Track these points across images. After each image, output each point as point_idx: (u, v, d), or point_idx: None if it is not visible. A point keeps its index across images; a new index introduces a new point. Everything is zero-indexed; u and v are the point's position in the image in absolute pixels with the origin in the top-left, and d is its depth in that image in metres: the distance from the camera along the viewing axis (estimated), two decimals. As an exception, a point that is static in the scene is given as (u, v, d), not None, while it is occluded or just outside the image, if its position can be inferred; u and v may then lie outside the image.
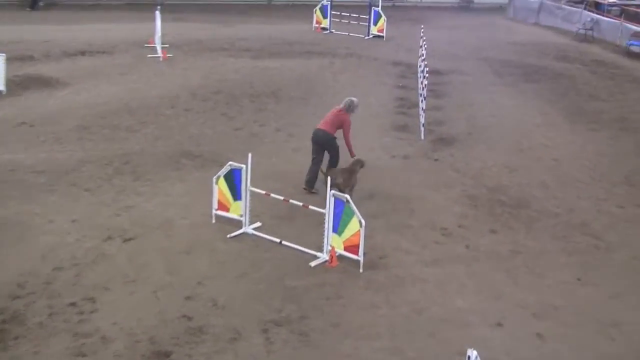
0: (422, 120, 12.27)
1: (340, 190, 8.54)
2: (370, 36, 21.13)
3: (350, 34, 21.22)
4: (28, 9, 23.23)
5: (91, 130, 11.67)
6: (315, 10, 22.01)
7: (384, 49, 19.55)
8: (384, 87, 15.35)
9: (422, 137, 12.05)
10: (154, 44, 17.53)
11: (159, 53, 16.91)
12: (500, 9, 27.66)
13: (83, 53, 17.07)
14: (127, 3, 24.82)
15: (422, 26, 18.51)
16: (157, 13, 16.90)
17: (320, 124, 9.64)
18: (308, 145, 10.88)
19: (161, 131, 11.81)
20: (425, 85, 12.49)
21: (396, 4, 28.16)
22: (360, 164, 9.44)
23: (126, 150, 10.86)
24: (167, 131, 11.82)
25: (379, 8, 21.07)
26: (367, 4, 21.58)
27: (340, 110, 9.62)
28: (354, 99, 9.75)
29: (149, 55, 16.98)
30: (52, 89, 13.95)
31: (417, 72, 16.31)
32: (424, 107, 12.34)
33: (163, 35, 17.38)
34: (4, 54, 13.64)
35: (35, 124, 11.82)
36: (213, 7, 25.35)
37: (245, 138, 11.72)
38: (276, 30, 21.61)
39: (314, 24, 22.00)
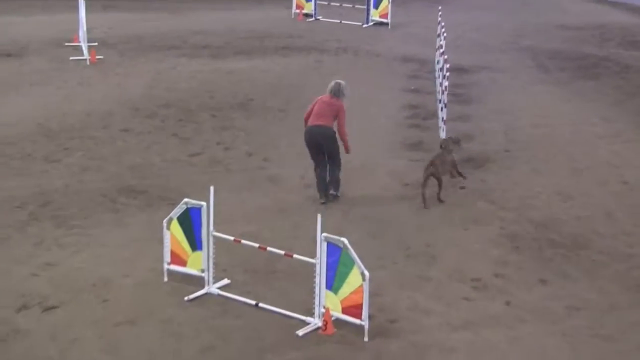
0: (443, 134, 12.46)
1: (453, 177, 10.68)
2: (370, 23, 21.35)
3: (343, 22, 21.45)
4: None
5: (-5, 162, 11.79)
6: (296, -9, 22.32)
7: (389, 40, 19.76)
8: (391, 92, 15.53)
9: (444, 157, 12.23)
10: (78, 42, 17.72)
11: (86, 54, 17.07)
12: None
13: (-19, 57, 17.27)
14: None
15: (440, 8, 18.70)
16: (81, 0, 17.11)
17: (313, 120, 10.44)
18: (289, 172, 10.93)
19: (91, 160, 11.90)
20: (446, 87, 12.70)
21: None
22: (451, 141, 10.80)
23: (44, 187, 10.95)
24: (99, 160, 11.92)
25: (382, -15, 21.36)
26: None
27: (331, 98, 10.50)
28: (340, 81, 10.68)
29: (72, 58, 17.13)
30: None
31: (434, 71, 16.52)
32: (445, 117, 12.53)
33: (90, 30, 17.52)
34: None
35: None
36: (156, -9, 25.57)
37: (206, 166, 11.85)
38: (243, 19, 21.79)
39: (294, 10, 22.27)
